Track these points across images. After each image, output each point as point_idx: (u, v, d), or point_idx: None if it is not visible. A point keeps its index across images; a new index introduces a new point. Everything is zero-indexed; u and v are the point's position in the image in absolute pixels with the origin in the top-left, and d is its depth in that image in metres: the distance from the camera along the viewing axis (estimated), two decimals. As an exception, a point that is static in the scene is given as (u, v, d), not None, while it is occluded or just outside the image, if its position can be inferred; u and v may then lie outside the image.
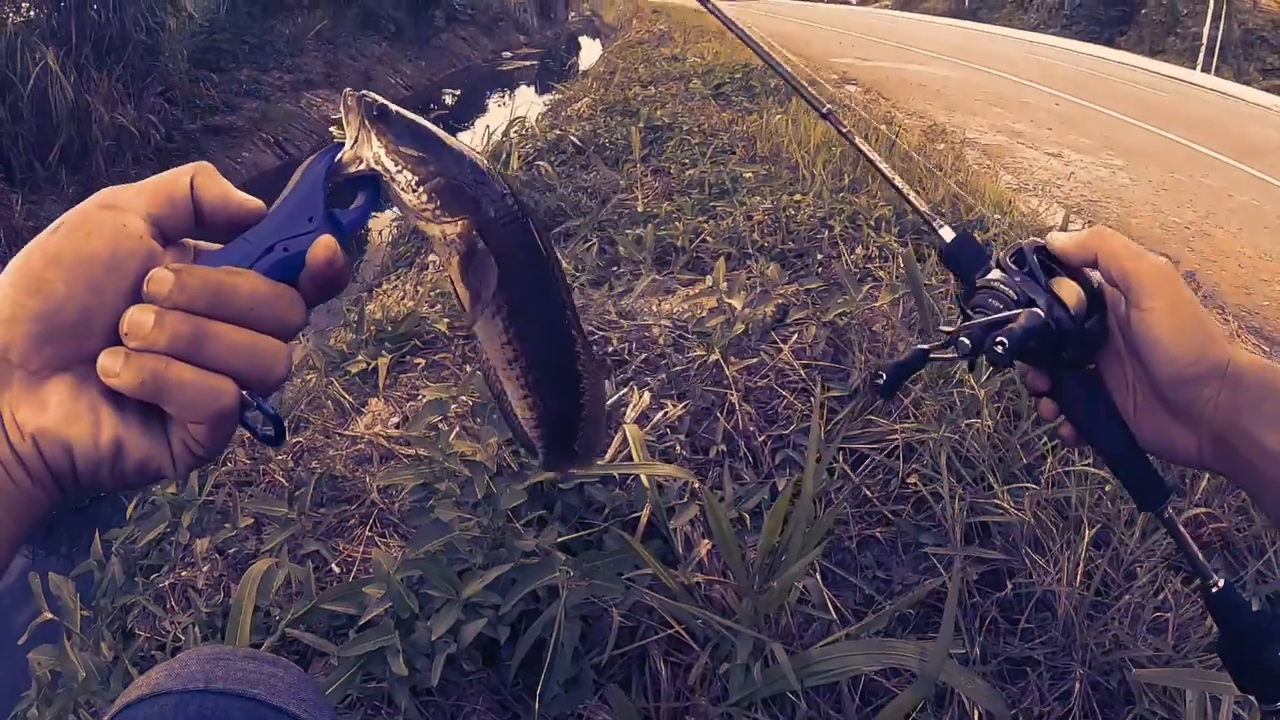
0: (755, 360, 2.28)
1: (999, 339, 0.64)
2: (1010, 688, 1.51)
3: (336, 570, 1.77)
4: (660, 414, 2.03)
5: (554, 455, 0.67)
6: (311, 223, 0.50)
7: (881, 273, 2.89)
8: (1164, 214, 6.06)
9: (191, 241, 0.51)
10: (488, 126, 6.28)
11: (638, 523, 1.58)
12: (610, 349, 2.37)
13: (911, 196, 0.84)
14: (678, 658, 1.47)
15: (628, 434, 1.71)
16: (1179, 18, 25.42)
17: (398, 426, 2.27)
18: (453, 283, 0.53)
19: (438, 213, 0.52)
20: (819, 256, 3.06)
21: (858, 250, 3.08)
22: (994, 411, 2.02)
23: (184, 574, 1.84)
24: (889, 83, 10.60)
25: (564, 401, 0.62)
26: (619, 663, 1.47)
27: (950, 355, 0.69)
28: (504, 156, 4.83)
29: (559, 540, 1.49)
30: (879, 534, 1.80)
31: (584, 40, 25.98)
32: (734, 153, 4.76)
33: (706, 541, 1.54)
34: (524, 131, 5.60)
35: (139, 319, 0.44)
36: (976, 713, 1.38)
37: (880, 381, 0.74)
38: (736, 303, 2.43)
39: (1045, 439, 1.97)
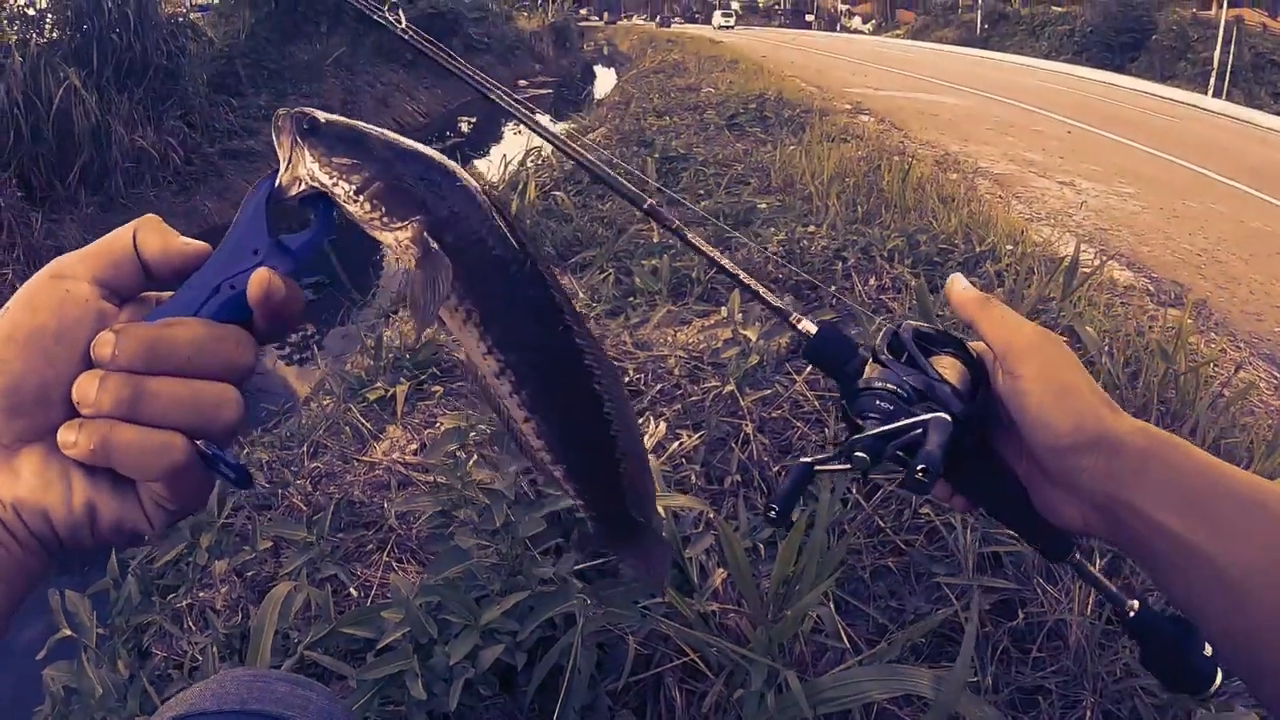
0: (770, 391, 2.30)
1: (920, 467, 0.59)
2: (1022, 716, 1.51)
3: (355, 594, 1.79)
4: (676, 444, 2.05)
5: (605, 521, 0.61)
6: (257, 255, 0.48)
7: (895, 304, 2.91)
8: (1175, 241, 6.06)
9: (153, 295, 0.50)
10: (504, 155, 6.32)
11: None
12: (626, 379, 2.40)
13: (764, 294, 0.83)
14: (692, 685, 1.48)
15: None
16: (1189, 43, 25.50)
17: (416, 453, 2.30)
18: (413, 290, 0.49)
19: (385, 219, 0.48)
20: (833, 288, 3.09)
21: (871, 281, 3.11)
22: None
23: (202, 595, 1.86)
24: (902, 112, 10.70)
25: (580, 425, 0.56)
26: (634, 689, 1.48)
27: (843, 468, 0.66)
28: (521, 186, 4.89)
29: (576, 568, 1.51)
30: (892, 563, 1.81)
31: (599, 69, 26.24)
32: (749, 183, 4.81)
33: (721, 570, 1.56)
34: (540, 161, 5.66)
35: (85, 386, 0.45)
36: (989, 742, 1.39)
37: (774, 514, 0.71)
38: (751, 334, 2.46)
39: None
